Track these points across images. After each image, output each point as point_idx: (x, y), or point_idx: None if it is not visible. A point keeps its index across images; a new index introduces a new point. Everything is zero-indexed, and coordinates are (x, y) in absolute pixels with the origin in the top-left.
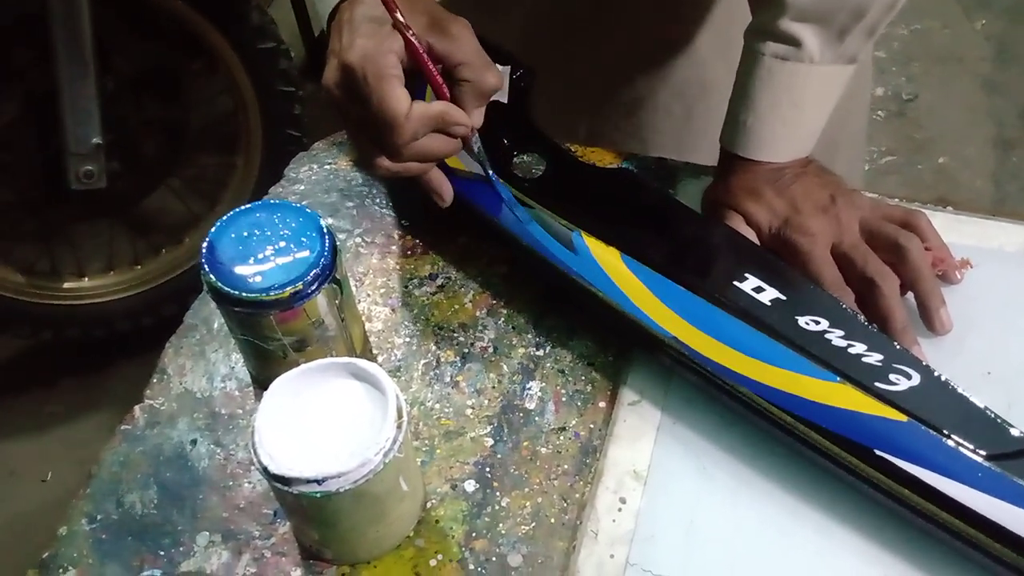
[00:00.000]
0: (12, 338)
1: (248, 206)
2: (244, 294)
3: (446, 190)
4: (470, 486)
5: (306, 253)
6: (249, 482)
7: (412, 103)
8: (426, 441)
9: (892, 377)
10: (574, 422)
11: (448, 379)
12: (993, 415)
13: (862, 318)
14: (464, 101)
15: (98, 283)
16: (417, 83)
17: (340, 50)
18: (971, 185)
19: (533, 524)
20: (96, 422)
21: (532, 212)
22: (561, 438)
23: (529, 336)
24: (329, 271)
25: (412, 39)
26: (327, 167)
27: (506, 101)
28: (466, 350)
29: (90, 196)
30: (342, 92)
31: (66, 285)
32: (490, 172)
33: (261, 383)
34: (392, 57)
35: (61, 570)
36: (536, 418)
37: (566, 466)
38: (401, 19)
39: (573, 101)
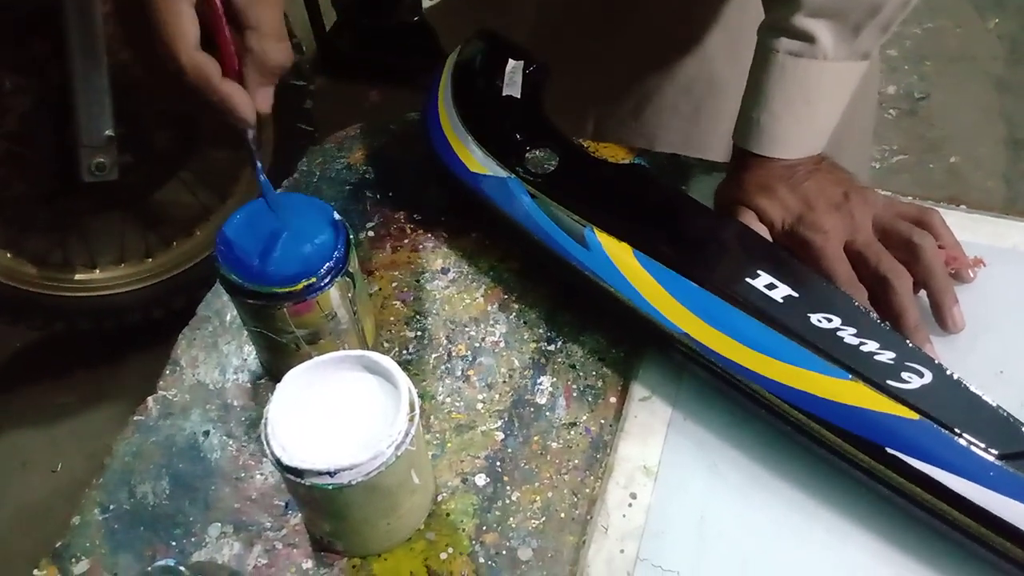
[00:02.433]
0: (24, 329)
1: (262, 199)
2: (257, 286)
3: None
4: (481, 480)
5: (319, 246)
6: (261, 474)
7: (200, 54)
8: (437, 435)
9: (904, 375)
10: (585, 417)
11: (459, 373)
12: (1005, 414)
13: (875, 316)
14: (247, 76)
15: (110, 275)
16: None
17: None
18: (982, 185)
19: (543, 518)
20: (107, 413)
21: (544, 207)
22: (572, 433)
23: (540, 331)
24: (342, 264)
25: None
26: (340, 161)
27: (519, 96)
28: (477, 344)
29: (102, 188)
30: None
31: (78, 277)
32: (259, 169)
33: (273, 375)
34: None
35: (74, 559)
36: (547, 413)
37: (576, 461)
38: None
39: (580, 98)
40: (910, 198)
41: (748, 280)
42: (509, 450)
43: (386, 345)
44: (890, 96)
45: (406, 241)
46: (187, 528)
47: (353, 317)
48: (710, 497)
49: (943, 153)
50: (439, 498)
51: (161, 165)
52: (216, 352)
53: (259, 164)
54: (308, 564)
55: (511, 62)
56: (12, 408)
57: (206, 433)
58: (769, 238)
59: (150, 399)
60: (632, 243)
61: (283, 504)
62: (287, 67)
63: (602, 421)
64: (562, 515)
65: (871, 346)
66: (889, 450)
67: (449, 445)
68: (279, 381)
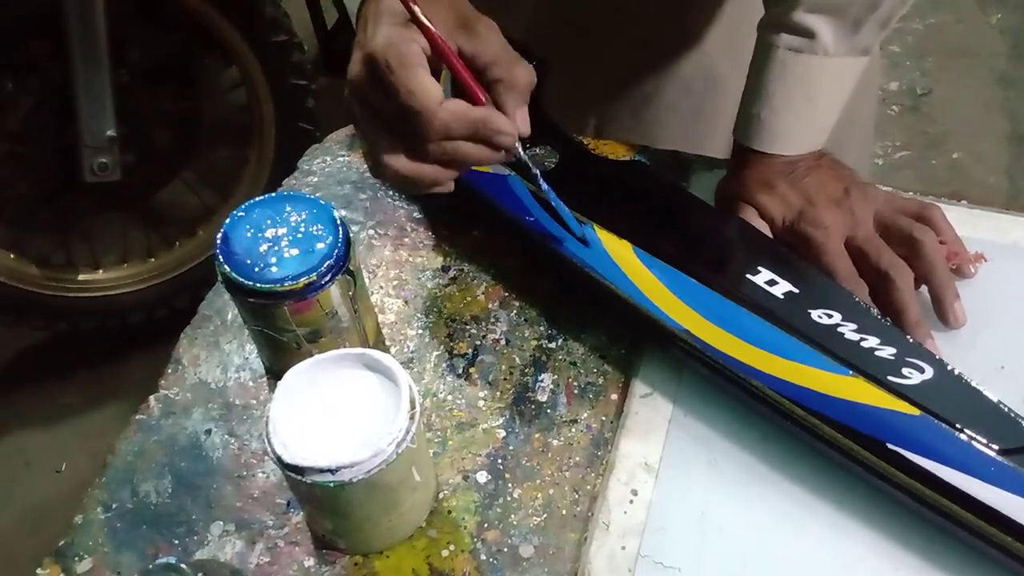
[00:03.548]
0: (28, 329)
1: (262, 198)
2: (258, 285)
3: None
4: (482, 477)
5: (320, 244)
6: (263, 472)
7: (446, 98)
8: (438, 432)
9: (905, 371)
10: (586, 414)
11: (460, 371)
12: (1006, 409)
13: (875, 311)
14: (504, 104)
15: (112, 275)
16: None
17: (363, 42)
18: (985, 180)
19: (545, 515)
20: (110, 413)
21: (544, 204)
22: (573, 430)
23: (541, 328)
24: (343, 262)
25: (437, 36)
26: (340, 159)
27: None
28: (478, 342)
29: (105, 189)
30: (366, 84)
31: (81, 277)
32: (541, 182)
33: (275, 374)
34: (416, 47)
35: (77, 558)
36: (548, 410)
37: (578, 458)
38: (422, 16)
39: (580, 97)
40: (911, 194)
41: (749, 276)
42: (510, 447)
43: (387, 343)
44: (892, 92)
45: (407, 239)
46: (189, 526)
47: (354, 315)
48: (711, 493)
49: (945, 149)
50: (441, 495)
51: (163, 165)
52: (218, 351)
53: (538, 174)
54: (310, 562)
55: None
56: (16, 408)
57: (208, 432)
58: (770, 234)
59: (152, 398)
60: (632, 240)
61: (285, 502)
62: (534, 83)
63: (603, 418)
64: (563, 512)
65: (872, 342)
66: (890, 446)
67: (450, 443)
68: (280, 379)
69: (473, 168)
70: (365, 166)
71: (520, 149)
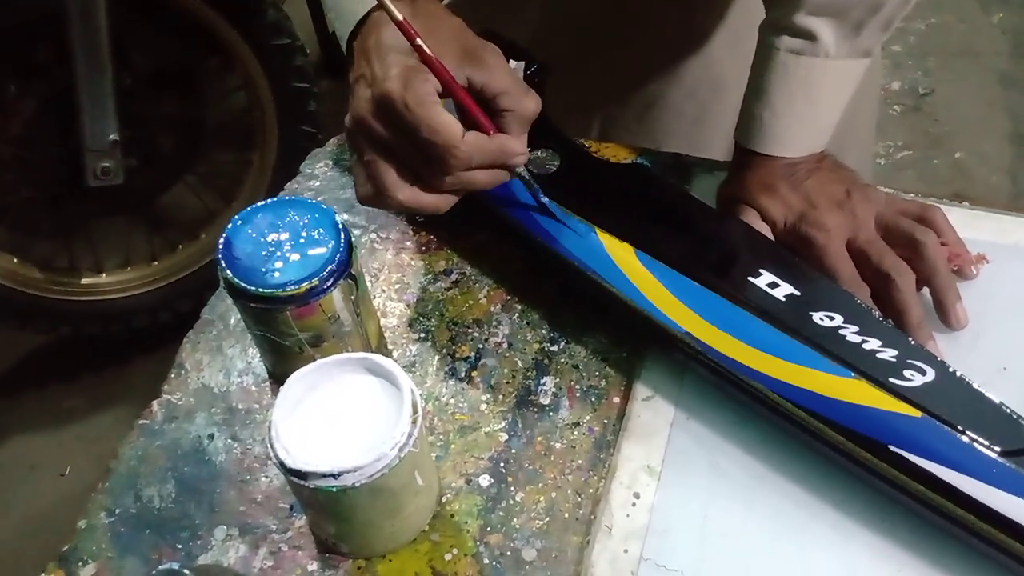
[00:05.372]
0: (31, 333)
1: (264, 203)
2: (260, 290)
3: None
4: (485, 481)
5: (322, 249)
6: (266, 476)
7: (470, 134)
8: (441, 436)
9: (907, 373)
10: (588, 417)
11: (463, 374)
12: (1008, 411)
13: (877, 313)
14: (509, 131)
15: (116, 279)
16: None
17: (374, 80)
18: (987, 180)
19: (547, 519)
20: (114, 417)
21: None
22: (575, 433)
23: (543, 331)
24: (345, 267)
25: (445, 71)
26: (342, 163)
27: None
28: (481, 345)
29: (108, 192)
30: (379, 122)
31: (84, 281)
32: (542, 197)
33: (277, 378)
34: (431, 86)
35: (81, 563)
36: (550, 413)
37: (580, 461)
38: (429, 52)
39: (585, 101)
40: (913, 195)
41: (750, 279)
42: (513, 451)
43: (389, 347)
44: (894, 92)
45: (409, 243)
46: (193, 531)
47: (356, 320)
48: (713, 496)
49: (948, 148)
50: (443, 499)
51: (166, 169)
52: (220, 355)
53: (539, 189)
54: (313, 566)
55: (512, 62)
56: (20, 412)
57: (211, 436)
58: (771, 237)
59: (155, 403)
60: (634, 243)
61: (288, 506)
62: (538, 112)
63: (605, 421)
64: (566, 515)
65: (873, 344)
66: (892, 448)
67: (453, 446)
68: (283, 384)
69: None
70: None
71: (524, 170)
